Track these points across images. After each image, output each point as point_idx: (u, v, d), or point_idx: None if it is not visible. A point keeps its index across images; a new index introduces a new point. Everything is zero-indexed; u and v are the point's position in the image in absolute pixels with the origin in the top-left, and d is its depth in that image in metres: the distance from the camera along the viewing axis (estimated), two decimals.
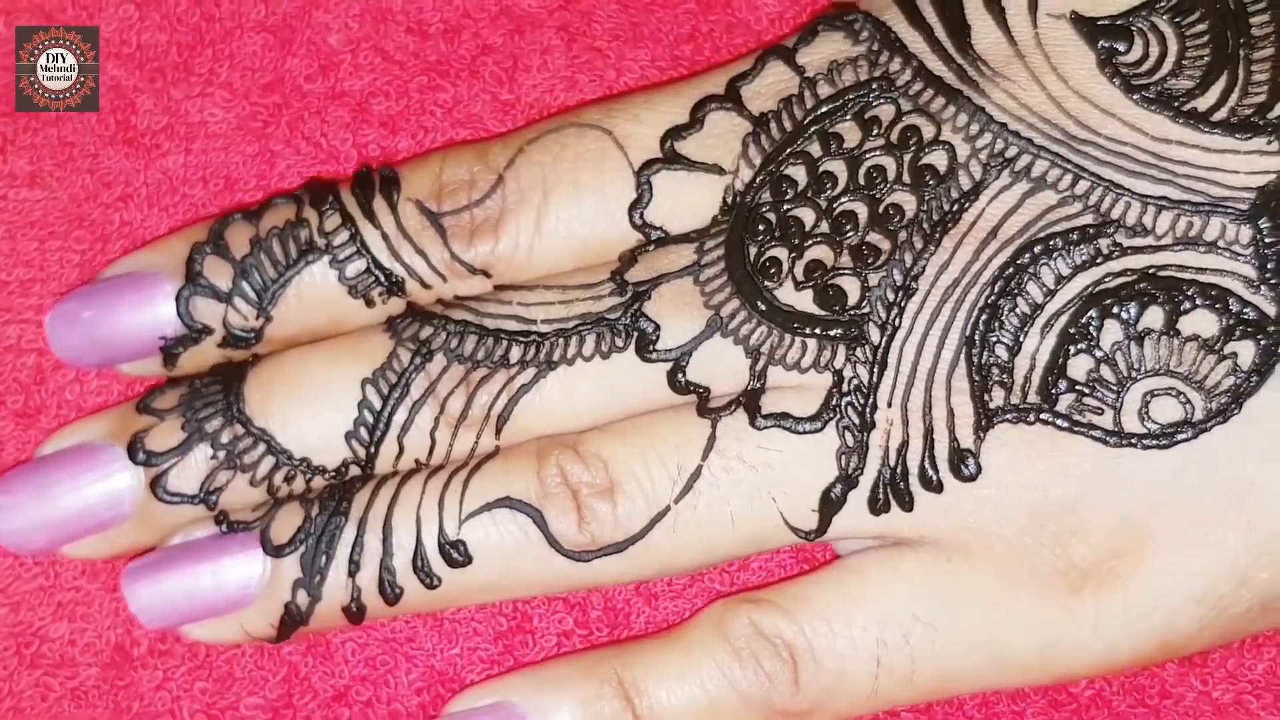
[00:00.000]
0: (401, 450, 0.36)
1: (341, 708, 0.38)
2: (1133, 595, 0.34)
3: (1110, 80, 0.34)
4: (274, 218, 0.36)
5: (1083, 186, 0.34)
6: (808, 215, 0.35)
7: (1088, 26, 0.34)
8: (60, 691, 0.38)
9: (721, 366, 0.35)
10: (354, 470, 0.36)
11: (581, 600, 0.38)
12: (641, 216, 0.36)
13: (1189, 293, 0.33)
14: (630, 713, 0.35)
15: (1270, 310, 0.33)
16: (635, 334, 0.35)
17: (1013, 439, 0.34)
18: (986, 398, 0.34)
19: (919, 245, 0.34)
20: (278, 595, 0.36)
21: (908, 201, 0.34)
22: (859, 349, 0.34)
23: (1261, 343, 0.33)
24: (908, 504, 0.34)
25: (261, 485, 0.36)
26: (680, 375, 0.35)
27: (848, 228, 0.35)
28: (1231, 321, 0.33)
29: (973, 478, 0.34)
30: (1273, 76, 0.33)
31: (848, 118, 0.35)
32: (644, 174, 0.36)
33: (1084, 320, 0.33)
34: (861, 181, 0.35)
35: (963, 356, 0.34)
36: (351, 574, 0.35)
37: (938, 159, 0.34)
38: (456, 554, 0.35)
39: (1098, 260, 0.33)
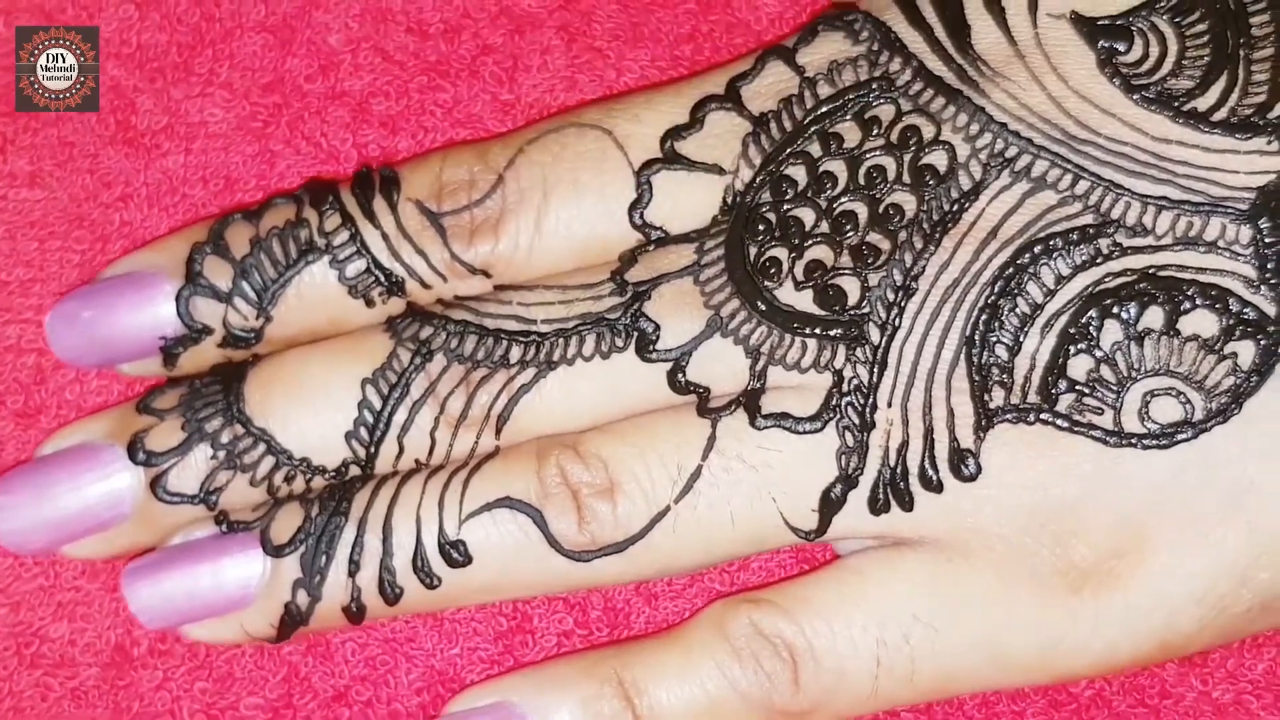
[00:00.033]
0: (401, 450, 0.36)
1: (341, 708, 0.38)
2: (1133, 595, 0.34)
3: (1110, 80, 0.34)
4: (274, 218, 0.36)
5: (1083, 186, 0.34)
6: (808, 215, 0.35)
7: (1088, 26, 0.34)
8: (60, 691, 0.38)
9: (721, 366, 0.35)
10: (354, 470, 0.36)
11: (581, 600, 0.38)
12: (641, 216, 0.36)
13: (1189, 293, 0.33)
14: (630, 712, 0.35)
15: (1270, 310, 0.33)
16: (635, 334, 0.35)
17: (1013, 439, 0.34)
18: (986, 398, 0.34)
19: (919, 245, 0.34)
20: (278, 595, 0.36)
21: (908, 201, 0.34)
22: (859, 349, 0.34)
23: (1261, 343, 0.33)
24: (908, 504, 0.34)
25: (261, 485, 0.36)
26: (680, 375, 0.35)
27: (848, 228, 0.34)
28: (1231, 321, 0.33)
29: (973, 478, 0.34)
30: (1273, 76, 0.33)
31: (848, 118, 0.35)
32: (644, 174, 0.36)
33: (1084, 320, 0.33)
34: (861, 181, 0.35)
35: (963, 356, 0.34)
36: (351, 574, 0.35)
37: (938, 159, 0.34)
38: (456, 554, 0.35)
39: (1098, 260, 0.33)
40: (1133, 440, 0.33)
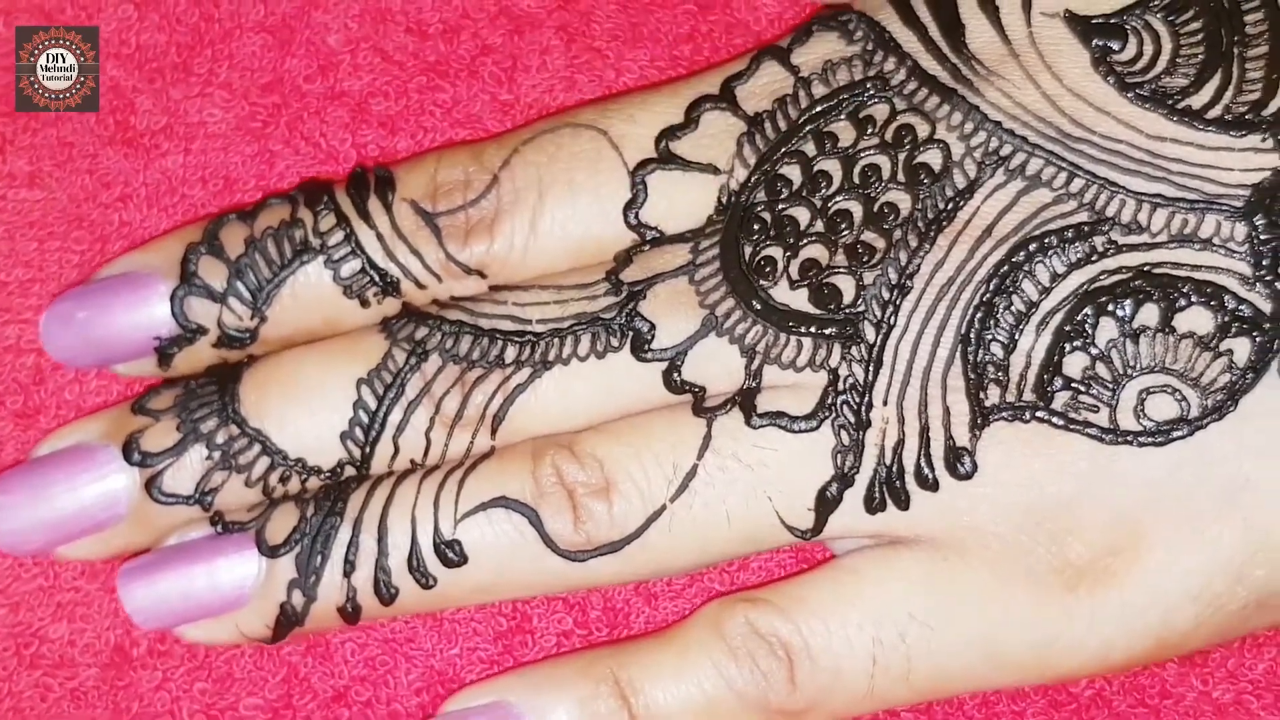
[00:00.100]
0: (397, 450, 0.36)
1: (341, 708, 0.38)
2: (1129, 593, 0.33)
3: (1104, 78, 0.34)
4: (269, 218, 0.36)
5: (1077, 184, 0.34)
6: (803, 214, 0.35)
7: (1082, 25, 0.34)
8: (60, 692, 0.38)
9: (717, 366, 0.35)
10: (349, 471, 0.36)
11: (581, 600, 0.38)
12: (636, 216, 0.36)
13: (1184, 290, 0.33)
14: (626, 712, 0.35)
15: (1265, 307, 0.33)
16: (630, 334, 0.35)
17: (1008, 437, 0.34)
18: (982, 396, 0.34)
19: (914, 244, 0.34)
20: (273, 596, 0.36)
21: (903, 200, 0.34)
22: (854, 347, 0.34)
23: (1257, 339, 0.33)
24: (904, 502, 0.34)
25: (257, 486, 0.36)
26: (676, 375, 0.35)
27: (843, 226, 0.34)
28: (1227, 318, 0.33)
29: (968, 476, 0.34)
30: (1267, 74, 0.34)
31: (842, 117, 0.35)
32: (639, 174, 0.36)
33: (1079, 318, 0.33)
34: (856, 180, 0.35)
35: (958, 354, 0.34)
36: (347, 574, 0.35)
37: (932, 157, 0.34)
38: (452, 554, 0.35)
39: (1093, 258, 0.33)
40: (1128, 438, 0.33)
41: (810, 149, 0.35)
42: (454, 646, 0.38)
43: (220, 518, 0.36)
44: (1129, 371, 0.33)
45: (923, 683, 0.35)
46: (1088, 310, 0.33)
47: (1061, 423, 0.33)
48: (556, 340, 0.35)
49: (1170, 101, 0.34)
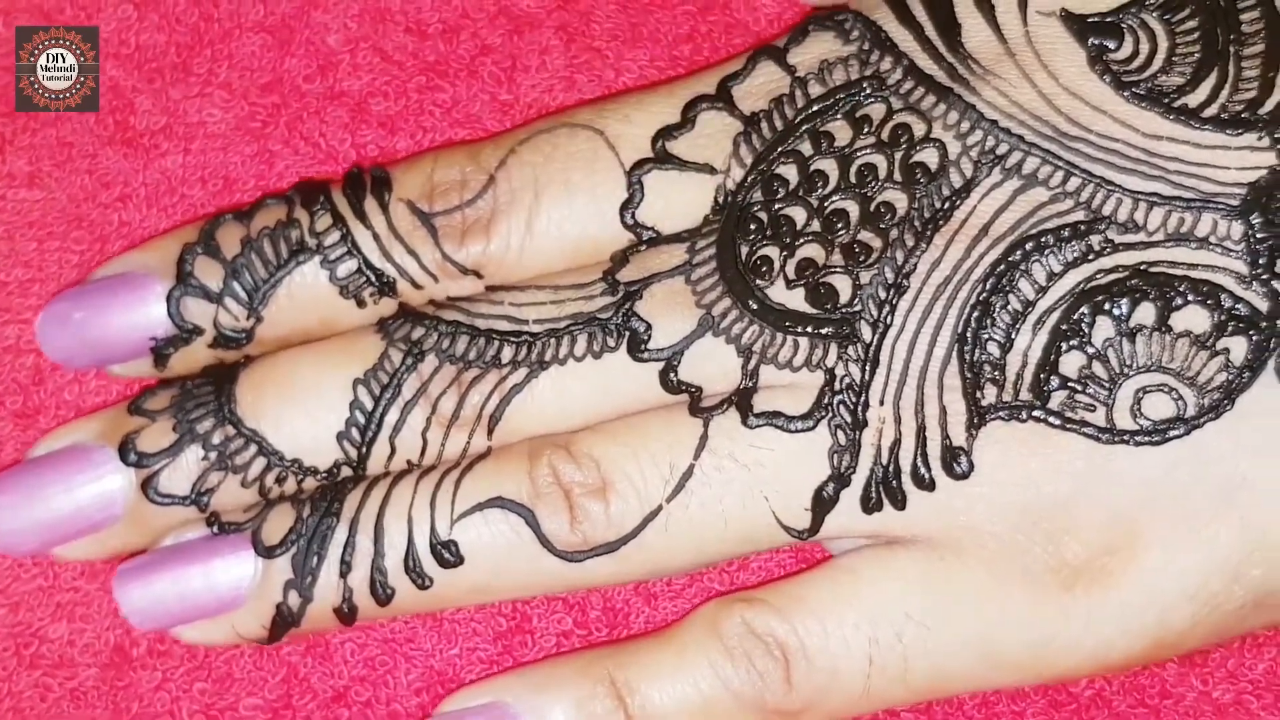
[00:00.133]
0: (393, 451, 0.36)
1: (341, 708, 0.38)
2: (1125, 592, 0.33)
3: (1100, 77, 0.34)
4: (265, 218, 0.36)
5: (1074, 183, 0.34)
6: (799, 214, 0.35)
7: (1078, 24, 0.34)
8: (59, 692, 0.38)
9: (713, 366, 0.35)
10: (346, 471, 0.36)
11: (581, 600, 0.38)
12: (633, 216, 0.36)
13: (1180, 289, 0.33)
14: (622, 712, 0.35)
15: (1262, 306, 0.33)
16: (627, 334, 0.35)
17: (1005, 436, 0.33)
18: (979, 395, 0.34)
19: (910, 243, 0.34)
20: (269, 596, 0.35)
21: (899, 199, 0.34)
22: (851, 347, 0.34)
23: (1253, 338, 0.33)
24: (900, 502, 0.34)
25: (253, 486, 0.36)
26: (672, 375, 0.35)
27: (839, 226, 0.34)
28: (1223, 317, 0.33)
29: (965, 475, 0.33)
30: (1263, 72, 0.33)
31: (839, 116, 0.35)
32: (635, 174, 0.36)
33: (1076, 317, 0.33)
34: (853, 180, 0.35)
35: (955, 354, 0.34)
36: (343, 575, 0.35)
37: (929, 156, 0.34)
38: (448, 554, 0.35)
39: (1089, 257, 0.33)
40: (1125, 437, 0.33)
41: (807, 148, 0.35)
42: (454, 647, 0.38)
43: (216, 518, 0.36)
44: (1125, 370, 0.33)
45: (919, 683, 0.35)
46: (1084, 309, 0.33)
47: (1058, 422, 0.33)
48: (553, 340, 0.35)
49: (1166, 100, 0.34)
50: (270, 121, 0.40)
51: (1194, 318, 0.33)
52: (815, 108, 0.35)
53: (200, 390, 0.36)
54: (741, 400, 0.34)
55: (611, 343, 0.35)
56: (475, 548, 0.35)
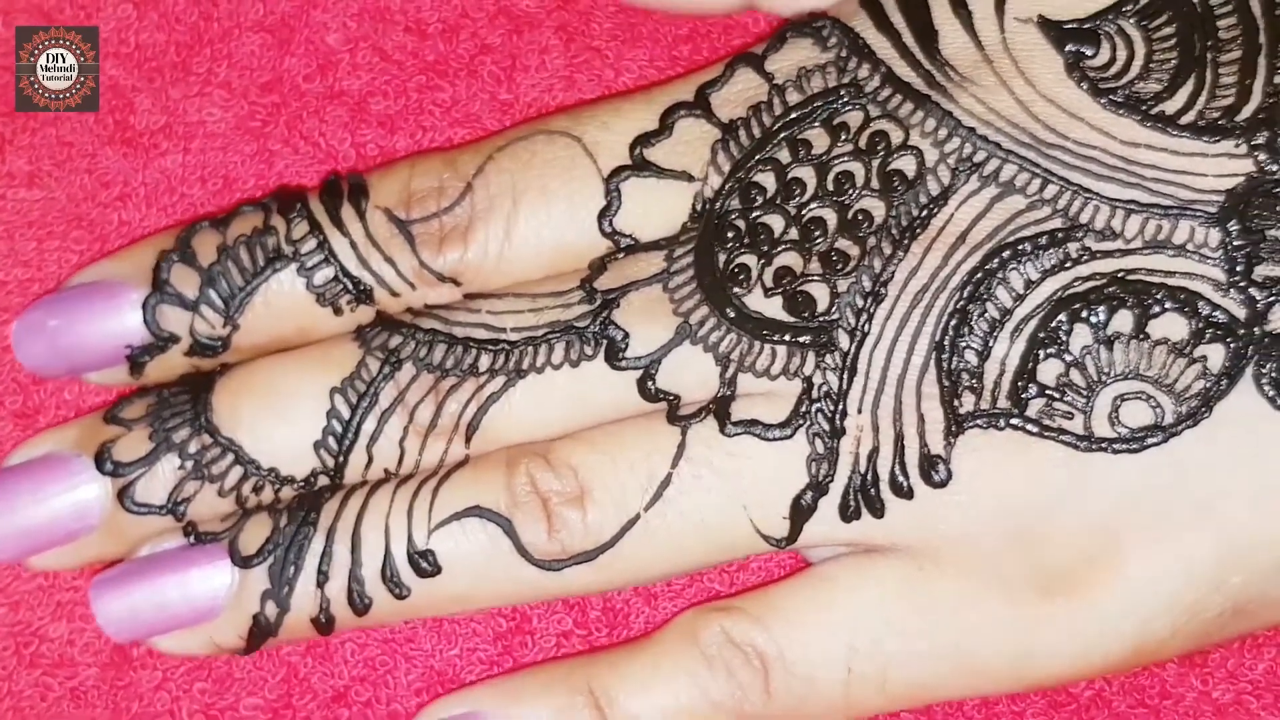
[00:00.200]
0: (370, 460, 0.35)
1: (341, 708, 0.38)
2: (1105, 601, 0.33)
3: (1078, 84, 0.34)
4: (242, 225, 0.36)
5: (1051, 191, 0.34)
6: (777, 222, 0.35)
7: (1055, 30, 0.34)
8: (59, 691, 0.38)
9: (691, 374, 0.35)
10: (323, 480, 0.36)
11: (581, 601, 0.38)
12: (611, 224, 0.36)
13: (1158, 296, 0.33)
14: None
15: (1239, 313, 0.33)
16: (605, 342, 0.35)
17: (983, 444, 0.33)
18: (956, 403, 0.33)
19: (888, 251, 0.34)
20: (246, 606, 0.35)
21: (876, 207, 0.34)
22: (828, 355, 0.34)
23: (1231, 346, 0.33)
24: (879, 511, 0.34)
25: (230, 495, 0.36)
26: (650, 383, 0.35)
27: (816, 234, 0.34)
28: (1201, 325, 0.33)
29: (943, 484, 0.33)
30: (1240, 79, 0.33)
31: (816, 124, 0.35)
32: (613, 181, 0.35)
33: (1054, 325, 0.33)
34: (830, 188, 0.35)
35: (932, 362, 0.34)
36: (320, 584, 0.35)
37: (906, 164, 0.34)
38: (425, 564, 0.35)
39: (1066, 264, 0.33)
40: (1103, 444, 0.33)
41: (784, 156, 0.35)
42: (454, 647, 0.38)
43: (193, 528, 0.36)
44: (1103, 378, 0.33)
45: (898, 691, 0.34)
46: (1062, 317, 0.33)
47: (1036, 430, 0.33)
48: (531, 349, 0.35)
49: (1144, 107, 0.34)
50: (270, 121, 0.40)
51: (1172, 325, 0.33)
52: (793, 115, 0.35)
53: (177, 399, 0.36)
54: (719, 408, 0.34)
55: (589, 351, 0.35)
56: (453, 557, 0.35)
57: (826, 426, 0.34)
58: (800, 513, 0.34)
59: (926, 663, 0.34)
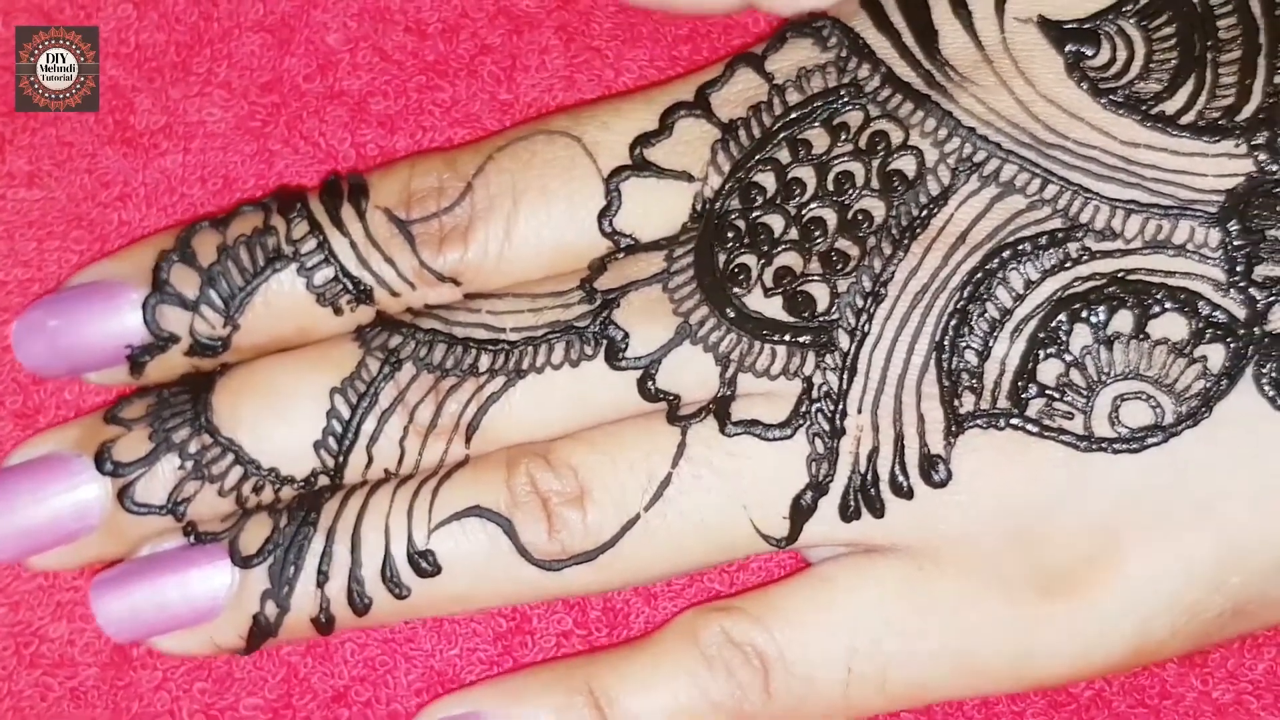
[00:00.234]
0: (370, 460, 0.35)
1: (341, 708, 0.38)
2: (1104, 602, 0.33)
3: (1078, 84, 0.34)
4: (241, 225, 0.36)
5: (1051, 191, 0.34)
6: (777, 222, 0.35)
7: (1055, 30, 0.34)
8: (59, 691, 0.38)
9: (691, 374, 0.35)
10: (323, 480, 0.36)
11: (581, 601, 0.38)
12: (611, 224, 0.36)
13: (1158, 296, 0.33)
14: None
15: (1239, 313, 0.33)
16: (605, 342, 0.35)
17: (983, 444, 0.33)
18: (957, 403, 0.33)
19: (888, 251, 0.34)
20: (246, 607, 0.35)
21: (876, 207, 0.34)
22: (828, 355, 0.34)
23: (1231, 346, 0.33)
24: (879, 510, 0.34)
25: (230, 495, 0.36)
26: (650, 383, 0.35)
27: (816, 234, 0.34)
28: (1201, 325, 0.33)
29: (943, 484, 0.33)
30: (1240, 79, 0.33)
31: (816, 124, 0.35)
32: (613, 181, 0.35)
33: (1053, 324, 0.33)
34: (830, 188, 0.35)
35: (932, 362, 0.34)
36: (320, 585, 0.35)
37: (906, 164, 0.34)
38: (425, 564, 0.35)
39: (1066, 264, 0.33)
40: (1103, 444, 0.33)
41: (784, 156, 0.35)
42: (454, 647, 0.38)
43: (193, 528, 0.36)
44: (1103, 378, 0.33)
45: (898, 691, 0.34)
46: (1062, 317, 0.33)
47: (1036, 430, 0.33)
48: (530, 349, 0.35)
49: (1144, 107, 0.34)
50: (270, 121, 0.40)
51: (1172, 325, 0.33)
52: (793, 115, 0.35)
53: (177, 399, 0.36)
54: (719, 408, 0.34)
55: (589, 351, 0.35)
56: (453, 557, 0.35)
57: (826, 426, 0.34)
58: (800, 513, 0.34)
59: (926, 663, 0.34)
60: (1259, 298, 0.33)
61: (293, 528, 0.35)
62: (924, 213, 0.34)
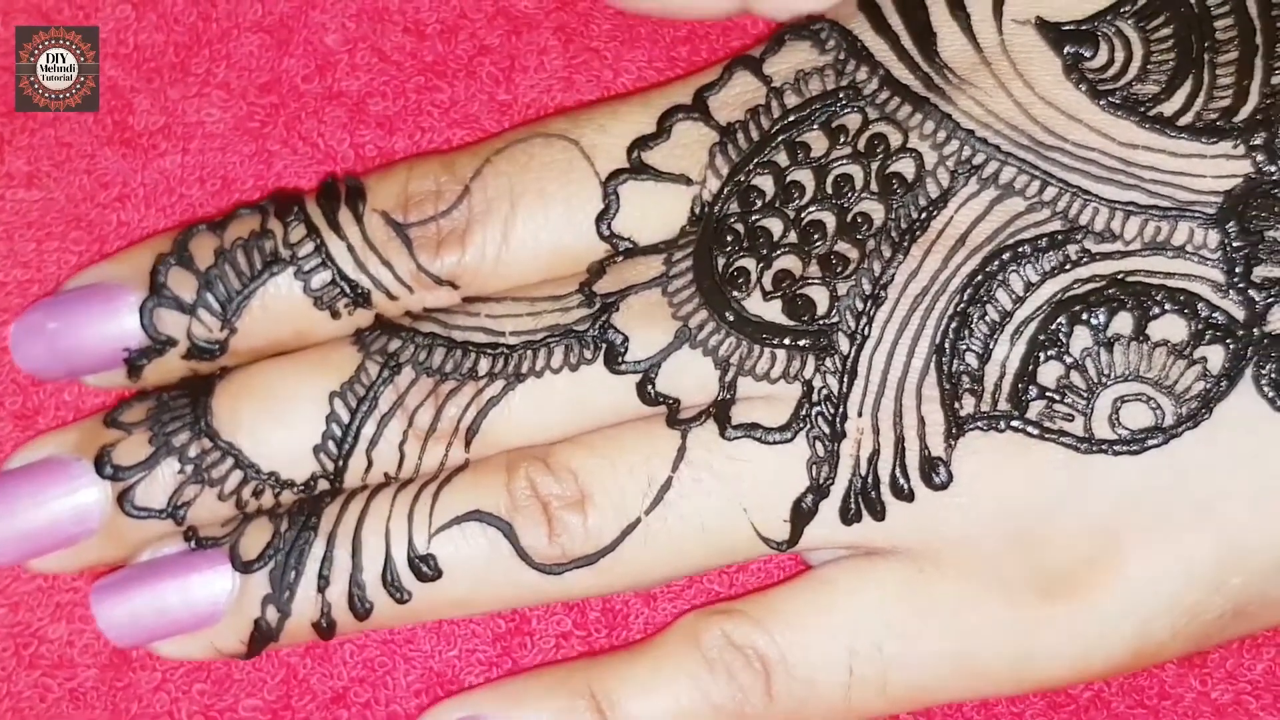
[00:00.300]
0: (370, 464, 0.35)
1: (340, 709, 0.38)
2: (1105, 603, 0.33)
3: (1076, 86, 0.34)
4: (239, 228, 0.36)
5: (1050, 193, 0.34)
6: (775, 225, 0.35)
7: (1053, 32, 0.34)
8: (59, 692, 0.38)
9: (690, 378, 0.34)
10: (323, 484, 0.36)
11: (580, 603, 0.38)
12: (609, 227, 0.36)
13: (1158, 298, 0.33)
14: None
15: (1239, 314, 0.33)
16: (604, 346, 0.35)
17: (984, 447, 0.33)
18: (957, 405, 0.33)
19: (887, 254, 0.34)
20: (247, 611, 0.35)
21: (875, 210, 0.34)
22: (828, 359, 0.34)
23: (1231, 347, 0.33)
24: (879, 513, 0.34)
25: (230, 500, 0.36)
26: (650, 387, 0.35)
27: (816, 237, 0.34)
28: (1200, 326, 0.33)
29: (944, 486, 0.33)
30: (1237, 80, 0.33)
31: (815, 127, 0.35)
32: (611, 184, 0.35)
33: (1053, 327, 0.33)
34: (829, 190, 0.35)
35: (933, 364, 0.34)
36: (321, 589, 0.35)
37: (905, 167, 0.34)
38: (426, 568, 0.35)
39: (1066, 266, 0.33)
40: (1103, 446, 0.33)
41: (783, 159, 0.35)
42: (453, 648, 0.38)
43: (194, 533, 0.36)
44: (1103, 380, 0.33)
45: (899, 693, 0.34)
46: (1062, 319, 0.33)
47: (1036, 432, 0.33)
48: (529, 352, 0.35)
49: (1142, 109, 0.34)
50: (269, 121, 0.40)
51: (1171, 327, 0.33)
52: (791, 118, 0.35)
53: (176, 403, 0.36)
54: (719, 412, 0.34)
55: (588, 355, 0.35)
56: (453, 561, 0.35)
57: (827, 429, 0.34)
58: (801, 516, 0.34)
59: (927, 665, 0.34)
60: (1258, 299, 0.33)
61: (293, 532, 0.35)
62: (923, 215, 0.34)
